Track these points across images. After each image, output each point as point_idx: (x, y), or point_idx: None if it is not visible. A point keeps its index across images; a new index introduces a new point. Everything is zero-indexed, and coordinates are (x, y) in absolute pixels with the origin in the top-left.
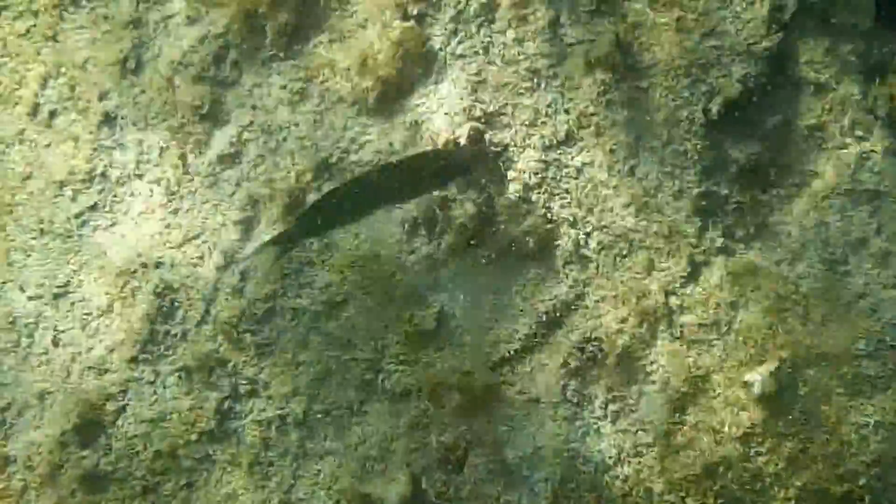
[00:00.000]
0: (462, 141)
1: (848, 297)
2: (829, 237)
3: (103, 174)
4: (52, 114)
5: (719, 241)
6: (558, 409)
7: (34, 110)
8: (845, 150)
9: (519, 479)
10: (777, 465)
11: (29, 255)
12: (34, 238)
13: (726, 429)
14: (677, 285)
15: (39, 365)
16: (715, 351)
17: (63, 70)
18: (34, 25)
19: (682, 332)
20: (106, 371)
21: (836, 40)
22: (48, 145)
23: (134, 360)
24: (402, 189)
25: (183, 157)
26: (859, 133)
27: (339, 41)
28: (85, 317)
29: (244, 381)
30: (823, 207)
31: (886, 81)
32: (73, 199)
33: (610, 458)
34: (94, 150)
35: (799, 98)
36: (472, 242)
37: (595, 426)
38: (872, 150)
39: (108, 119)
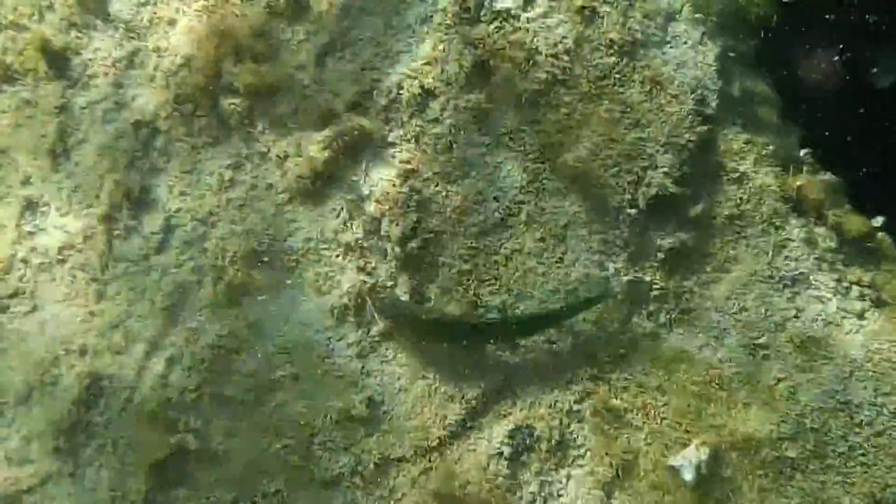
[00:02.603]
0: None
1: (768, 381)
2: (749, 322)
3: (24, 260)
4: None
5: (646, 327)
6: (491, 493)
7: None
8: (763, 239)
9: None
10: None
11: None
12: None
13: None
14: (605, 371)
15: None
16: (641, 435)
17: None
18: None
19: (612, 416)
20: (26, 462)
21: (754, 131)
22: None
23: (56, 450)
24: None
25: (109, 242)
26: (776, 222)
27: (272, 128)
28: (3, 407)
29: (172, 471)
30: (743, 293)
31: (798, 172)
32: None
33: None
34: (16, 236)
35: (720, 187)
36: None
37: None
38: (788, 239)
39: (31, 205)
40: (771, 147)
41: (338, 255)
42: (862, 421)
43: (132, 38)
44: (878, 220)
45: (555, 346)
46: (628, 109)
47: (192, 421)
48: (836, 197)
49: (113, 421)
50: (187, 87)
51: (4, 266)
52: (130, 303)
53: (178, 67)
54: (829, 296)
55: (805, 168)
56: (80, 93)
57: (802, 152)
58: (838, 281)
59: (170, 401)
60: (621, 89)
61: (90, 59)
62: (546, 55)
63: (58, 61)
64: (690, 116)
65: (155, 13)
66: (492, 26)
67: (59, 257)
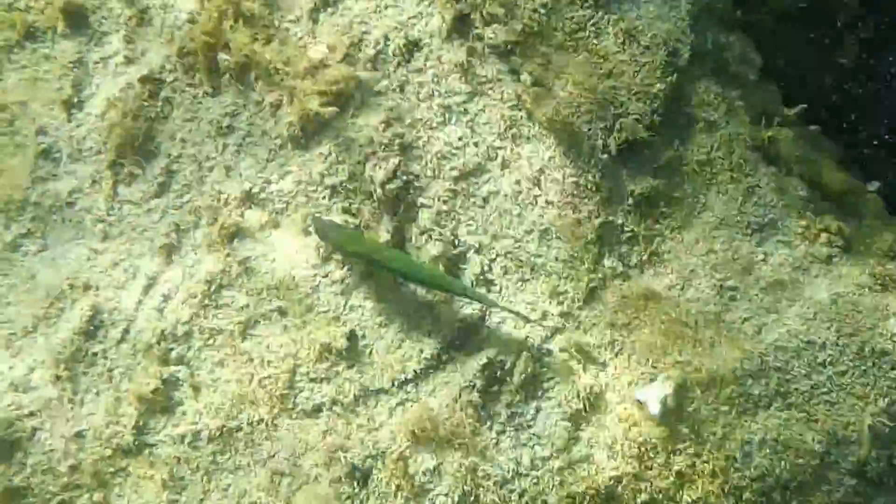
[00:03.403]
0: (382, 173)
1: (734, 321)
2: (718, 264)
3: (37, 203)
4: None
5: (616, 267)
6: (460, 425)
7: None
8: (732, 185)
9: (421, 493)
10: (668, 479)
11: None
12: None
13: (619, 444)
14: (576, 308)
15: None
16: (609, 370)
17: (4, 107)
18: None
19: (579, 351)
20: (28, 389)
21: (727, 86)
22: None
23: (56, 378)
24: None
25: (114, 187)
26: (746, 169)
27: (266, 77)
28: (10, 337)
29: (161, 398)
30: (712, 237)
31: (771, 126)
32: (7, 227)
33: (508, 472)
34: (30, 180)
35: (691, 135)
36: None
37: (495, 441)
38: (758, 186)
39: (45, 152)
40: (743, 101)
41: (324, 197)
42: (825, 361)
43: None
44: (874, 185)
45: (527, 284)
46: (602, 60)
47: (184, 351)
48: (813, 151)
49: (110, 351)
50: (190, 42)
51: (18, 208)
52: (132, 242)
53: (183, 23)
54: (797, 242)
55: (779, 121)
56: (94, 48)
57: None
58: (807, 228)
59: (163, 333)
60: (595, 41)
61: (104, 18)
62: (524, 8)
63: (75, 19)
64: (662, 67)
65: None
66: None
67: (69, 200)
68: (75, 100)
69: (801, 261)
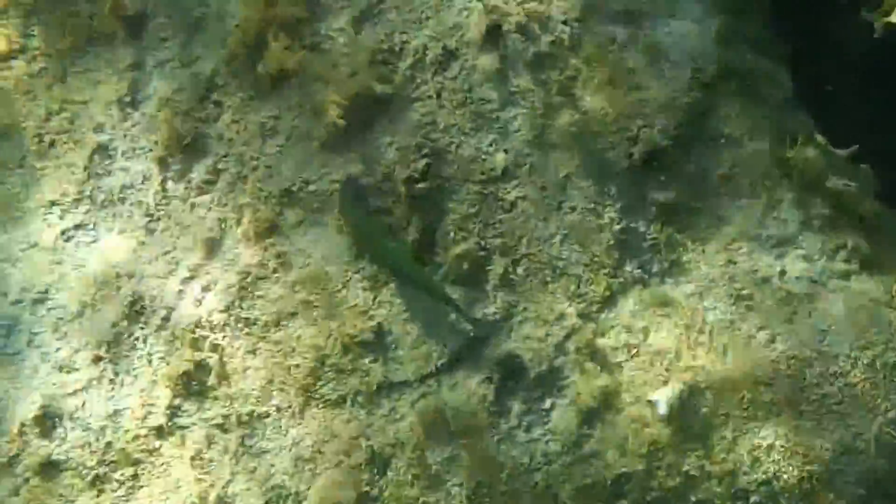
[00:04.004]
0: (413, 173)
1: (749, 329)
2: (736, 275)
3: (90, 197)
4: (52, 143)
5: (636, 273)
6: (477, 418)
7: (37, 140)
8: (754, 199)
9: (438, 482)
10: (676, 479)
11: (15, 266)
12: (22, 250)
13: (630, 443)
14: (594, 310)
15: (13, 364)
16: (625, 371)
17: (66, 106)
18: (46, 68)
19: (596, 352)
20: (72, 369)
21: (753, 105)
22: (45, 170)
23: (98, 359)
24: None
25: (163, 183)
26: (767, 185)
27: (311, 83)
28: (59, 321)
29: (194, 382)
30: (732, 249)
31: (794, 146)
32: (62, 218)
33: (521, 465)
34: (86, 176)
35: (715, 150)
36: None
37: (510, 435)
38: (779, 201)
39: (101, 149)
40: (768, 121)
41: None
42: (837, 372)
43: (201, 4)
44: None
45: (549, 285)
46: (629, 74)
47: (219, 339)
48: (839, 173)
49: (150, 337)
50: (240, 47)
51: (73, 201)
52: (176, 236)
53: (234, 29)
54: (815, 257)
55: (806, 140)
56: (152, 53)
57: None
58: (826, 243)
59: (200, 320)
60: (624, 55)
61: (162, 24)
62: (557, 22)
63: (135, 26)
64: (688, 82)
65: None
66: None
67: (121, 195)
68: (131, 100)
69: (819, 275)
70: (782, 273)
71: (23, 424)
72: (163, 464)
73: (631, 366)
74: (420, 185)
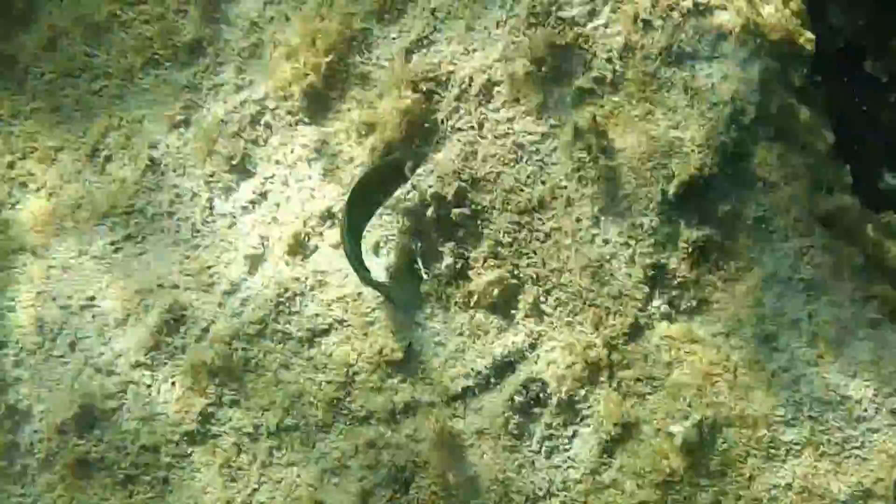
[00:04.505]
0: (449, 197)
1: (773, 369)
2: (764, 316)
3: (140, 211)
4: (108, 158)
5: (663, 309)
6: (499, 441)
7: (93, 154)
8: (787, 243)
9: (458, 503)
10: None
11: (65, 272)
12: (73, 258)
13: (648, 474)
14: (621, 342)
15: (56, 366)
16: (647, 403)
17: (123, 123)
18: (106, 86)
19: (619, 383)
20: (111, 373)
21: (791, 152)
22: (99, 183)
23: (138, 364)
24: None
25: (210, 200)
26: (801, 230)
27: (357, 109)
28: (103, 327)
29: (229, 392)
30: (762, 291)
31: (831, 195)
32: (112, 229)
33: (540, 490)
34: (137, 190)
35: (749, 192)
36: (445, 290)
37: (531, 459)
38: (812, 247)
39: (153, 165)
40: (806, 166)
41: (397, 221)
42: (860, 417)
43: (256, 32)
44: None
45: (577, 315)
46: (669, 112)
47: (254, 351)
48: (872, 223)
49: (189, 346)
50: (293, 73)
51: (123, 213)
52: (220, 251)
53: (287, 56)
54: (845, 304)
55: (842, 189)
56: (208, 76)
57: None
58: (856, 291)
59: (238, 333)
60: (665, 94)
61: (221, 50)
62: (601, 58)
63: (195, 50)
64: (727, 123)
65: (276, 11)
66: (556, 31)
67: (169, 210)
68: (185, 120)
69: (848, 322)
70: (811, 316)
71: (62, 423)
72: (192, 469)
73: (654, 398)
74: (457, 211)
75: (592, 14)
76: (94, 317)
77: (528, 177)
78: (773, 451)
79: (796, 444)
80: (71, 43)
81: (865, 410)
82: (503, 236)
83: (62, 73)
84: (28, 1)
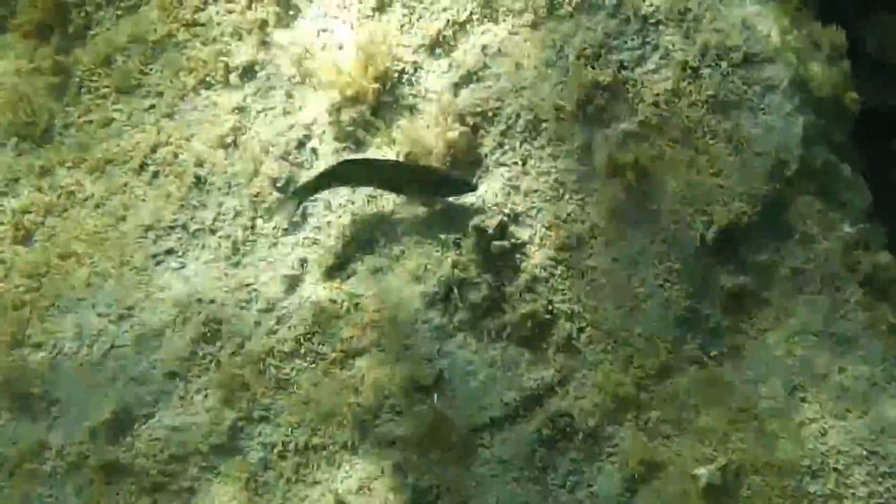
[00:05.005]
0: (490, 230)
1: (801, 420)
2: (795, 367)
3: (184, 226)
4: (155, 174)
5: (694, 353)
6: (524, 472)
7: (141, 169)
8: (821, 297)
9: None
10: None
11: (106, 281)
12: (114, 268)
13: None
14: (650, 383)
15: (93, 372)
16: (673, 445)
17: (171, 140)
18: (157, 104)
19: (647, 423)
20: (146, 382)
21: (830, 207)
22: (144, 197)
23: (172, 375)
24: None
25: (253, 220)
26: (836, 284)
27: (403, 139)
28: (140, 337)
29: (260, 408)
30: (794, 342)
31: (867, 252)
32: (154, 243)
33: None
34: (181, 206)
35: (787, 244)
36: (480, 320)
37: (553, 493)
38: (846, 302)
39: (198, 182)
40: (845, 224)
41: (437, 251)
42: (885, 473)
43: (308, 58)
44: None
45: (609, 354)
46: (712, 159)
47: (287, 369)
48: None
49: (224, 361)
50: (340, 99)
51: (167, 227)
52: (260, 270)
53: (337, 83)
54: (876, 361)
55: (879, 247)
56: (258, 100)
57: None
58: (888, 349)
59: (272, 350)
60: (710, 141)
61: (272, 74)
62: (647, 102)
63: (246, 74)
64: (768, 175)
65: (329, 39)
66: (604, 74)
67: (212, 227)
68: (233, 140)
69: (878, 379)
70: (841, 371)
71: (94, 428)
72: (219, 482)
73: (680, 440)
74: (496, 244)
75: (642, 59)
76: (131, 326)
77: (569, 214)
78: (796, 501)
79: (820, 495)
80: (126, 60)
81: (891, 467)
82: (540, 271)
83: (115, 88)
84: (86, 16)
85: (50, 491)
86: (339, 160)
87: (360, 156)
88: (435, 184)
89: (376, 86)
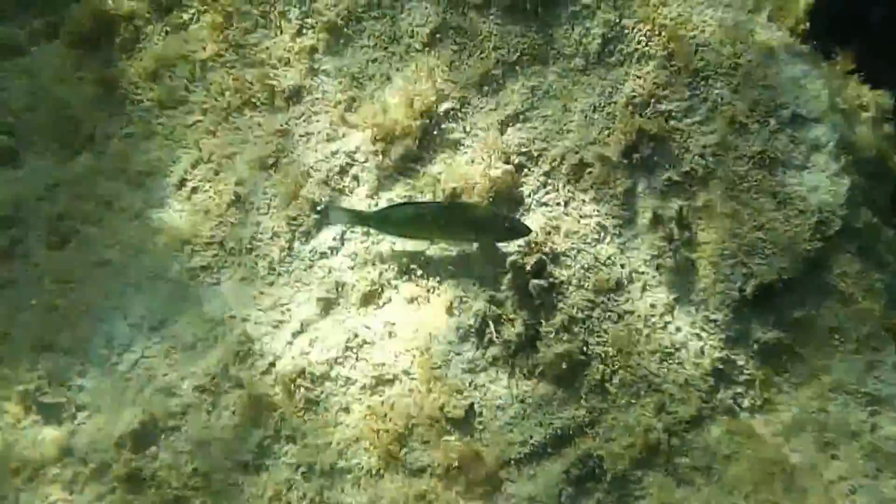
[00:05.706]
0: (528, 267)
1: (831, 476)
2: (827, 424)
3: (220, 243)
4: (194, 190)
5: (727, 403)
6: None
7: (181, 185)
8: (857, 356)
9: None
10: None
11: (139, 292)
12: (148, 280)
13: None
14: (681, 429)
15: (121, 380)
16: (701, 494)
17: (213, 158)
18: (200, 121)
19: (676, 470)
20: (174, 394)
21: (870, 267)
22: (183, 212)
23: (200, 388)
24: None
25: (290, 241)
26: (872, 344)
27: (446, 171)
28: (170, 349)
29: (287, 427)
30: (827, 399)
31: None
32: (190, 258)
33: None
34: (219, 223)
35: (825, 301)
36: (513, 356)
37: None
38: (881, 362)
39: (238, 200)
40: (884, 284)
41: (474, 284)
42: None
43: (355, 87)
44: None
45: (641, 398)
46: (756, 213)
47: (317, 392)
48: None
49: (254, 379)
50: (388, 130)
51: (204, 244)
52: (294, 291)
53: (384, 113)
54: None
55: None
56: (301, 124)
57: None
58: None
59: (303, 372)
60: (753, 196)
61: (317, 99)
62: (693, 153)
63: (292, 97)
64: (811, 232)
65: (378, 69)
66: (651, 123)
67: (248, 246)
68: (274, 162)
69: None
70: (874, 430)
71: (120, 437)
72: (242, 499)
73: (708, 489)
74: (535, 282)
75: (690, 110)
76: (162, 338)
77: (609, 258)
78: None
79: None
80: (172, 76)
81: None
82: (577, 312)
83: (159, 102)
84: (134, 30)
85: (70, 497)
86: (391, 204)
87: (410, 200)
88: (491, 229)
89: (421, 121)
